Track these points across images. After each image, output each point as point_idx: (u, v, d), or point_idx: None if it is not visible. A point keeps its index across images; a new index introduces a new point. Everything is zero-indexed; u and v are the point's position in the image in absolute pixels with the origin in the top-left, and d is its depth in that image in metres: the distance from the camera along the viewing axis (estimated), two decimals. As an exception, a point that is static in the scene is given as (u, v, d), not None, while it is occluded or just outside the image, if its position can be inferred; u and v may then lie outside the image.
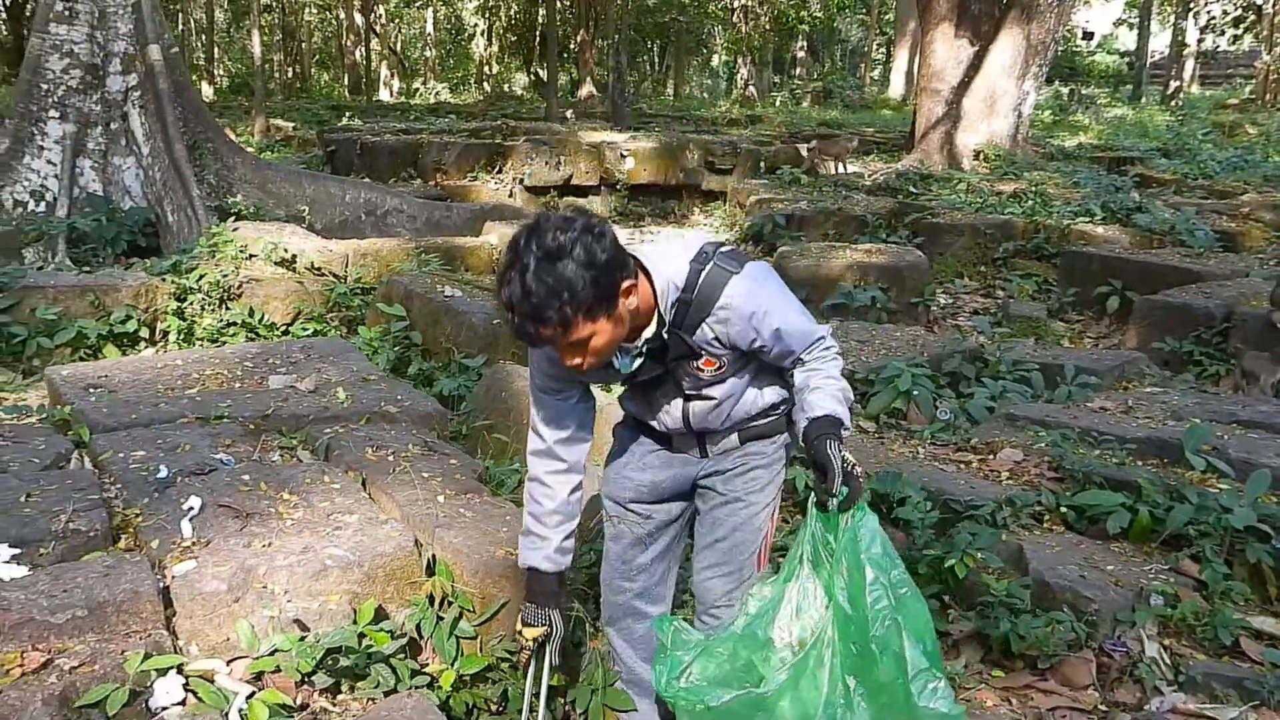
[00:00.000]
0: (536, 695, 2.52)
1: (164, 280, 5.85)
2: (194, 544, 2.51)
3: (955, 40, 13.99)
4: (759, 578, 2.53)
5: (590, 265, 2.04)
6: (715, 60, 40.84)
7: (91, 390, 3.57)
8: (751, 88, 29.76)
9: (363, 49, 32.20)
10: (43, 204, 7.97)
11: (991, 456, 4.28)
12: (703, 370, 2.38)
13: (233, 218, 7.41)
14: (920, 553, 3.50)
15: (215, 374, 3.83)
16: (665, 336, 2.31)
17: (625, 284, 2.13)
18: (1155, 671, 3.16)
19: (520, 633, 2.48)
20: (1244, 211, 9.84)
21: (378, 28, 32.49)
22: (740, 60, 30.93)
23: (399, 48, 36.51)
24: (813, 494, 2.28)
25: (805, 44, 36.75)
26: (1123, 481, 3.85)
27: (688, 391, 2.41)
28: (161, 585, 2.34)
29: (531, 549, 2.48)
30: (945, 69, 14.05)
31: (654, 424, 2.50)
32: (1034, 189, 10.69)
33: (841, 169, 13.51)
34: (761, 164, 12.98)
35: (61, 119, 8.12)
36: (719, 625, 2.59)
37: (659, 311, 2.26)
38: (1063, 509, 3.82)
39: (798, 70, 36.89)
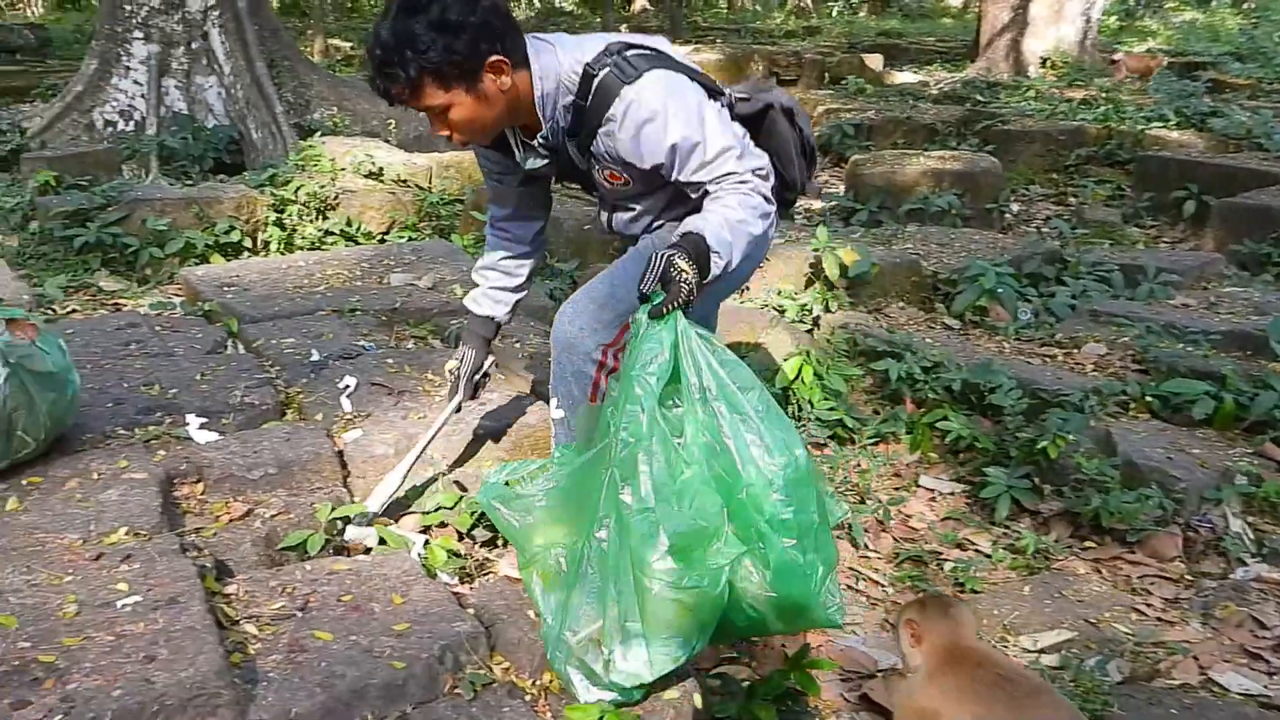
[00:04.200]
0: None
1: (262, 192, 6.07)
2: (355, 416, 2.75)
3: (1021, -56, 13.64)
4: None
5: (443, 27, 1.91)
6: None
7: (227, 288, 3.82)
8: (807, -2, 29.16)
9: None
10: (131, 123, 8.23)
11: (1076, 350, 4.40)
12: (610, 183, 2.24)
13: (318, 133, 7.61)
14: (1013, 436, 3.67)
15: (337, 273, 4.07)
16: (563, 141, 2.17)
17: (491, 59, 1.98)
18: (1240, 545, 3.30)
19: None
20: (1324, 114, 9.63)
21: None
22: (794, -31, 30.25)
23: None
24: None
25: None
26: (1207, 372, 3.95)
27: (609, 199, 2.37)
28: (335, 449, 2.59)
29: (469, 293, 2.63)
30: (1011, -26, 13.73)
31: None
32: (1104, 95, 10.54)
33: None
34: (825, 74, 12.88)
35: (146, 40, 8.32)
36: None
37: (540, 112, 2.11)
38: (1148, 398, 3.93)
39: (854, -21, 35.97)
